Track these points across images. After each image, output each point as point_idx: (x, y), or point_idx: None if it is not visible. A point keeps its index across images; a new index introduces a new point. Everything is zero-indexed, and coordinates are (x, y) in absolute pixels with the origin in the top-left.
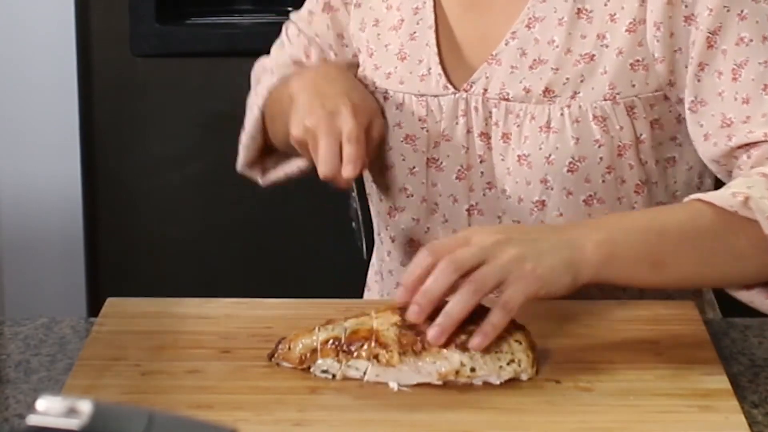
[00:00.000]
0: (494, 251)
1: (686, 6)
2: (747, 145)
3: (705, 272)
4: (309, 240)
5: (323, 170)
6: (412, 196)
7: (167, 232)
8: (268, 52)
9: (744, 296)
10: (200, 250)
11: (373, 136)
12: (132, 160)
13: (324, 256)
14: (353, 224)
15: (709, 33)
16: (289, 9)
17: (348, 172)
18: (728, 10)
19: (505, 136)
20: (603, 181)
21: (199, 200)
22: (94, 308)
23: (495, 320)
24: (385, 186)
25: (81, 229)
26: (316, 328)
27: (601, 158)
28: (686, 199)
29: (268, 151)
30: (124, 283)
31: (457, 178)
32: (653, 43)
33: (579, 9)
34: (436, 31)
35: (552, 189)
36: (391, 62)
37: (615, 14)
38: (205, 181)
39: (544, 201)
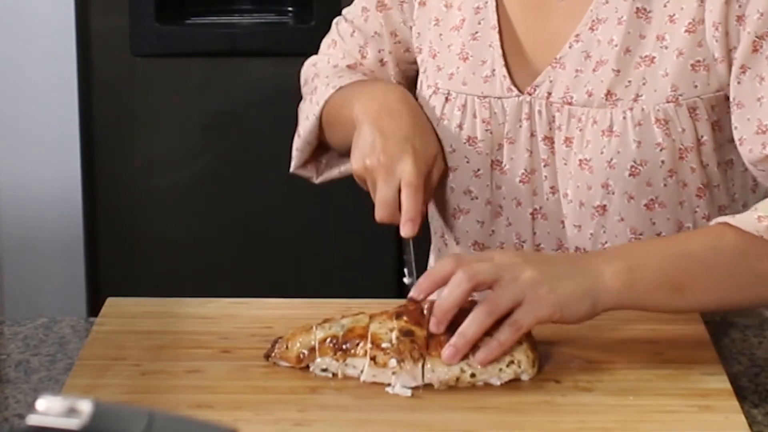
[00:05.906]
0: (511, 270)
1: (740, 6)
2: None
3: (727, 296)
4: (309, 240)
5: (380, 215)
6: (477, 198)
7: (167, 232)
8: (268, 52)
9: None
10: (200, 250)
11: (432, 181)
12: (132, 160)
13: (324, 256)
14: (405, 275)
15: (756, 37)
16: (290, 9)
17: (407, 231)
18: None
19: (568, 140)
20: (665, 185)
21: (199, 200)
22: (94, 308)
23: (502, 338)
24: (449, 188)
25: (81, 229)
26: (314, 327)
27: (662, 161)
28: (712, 222)
29: (321, 150)
30: (124, 283)
31: (521, 181)
32: (713, 43)
33: (638, 8)
34: (500, 32)
35: (613, 193)
36: (453, 63)
37: (674, 15)
38: (205, 181)
39: (605, 206)
